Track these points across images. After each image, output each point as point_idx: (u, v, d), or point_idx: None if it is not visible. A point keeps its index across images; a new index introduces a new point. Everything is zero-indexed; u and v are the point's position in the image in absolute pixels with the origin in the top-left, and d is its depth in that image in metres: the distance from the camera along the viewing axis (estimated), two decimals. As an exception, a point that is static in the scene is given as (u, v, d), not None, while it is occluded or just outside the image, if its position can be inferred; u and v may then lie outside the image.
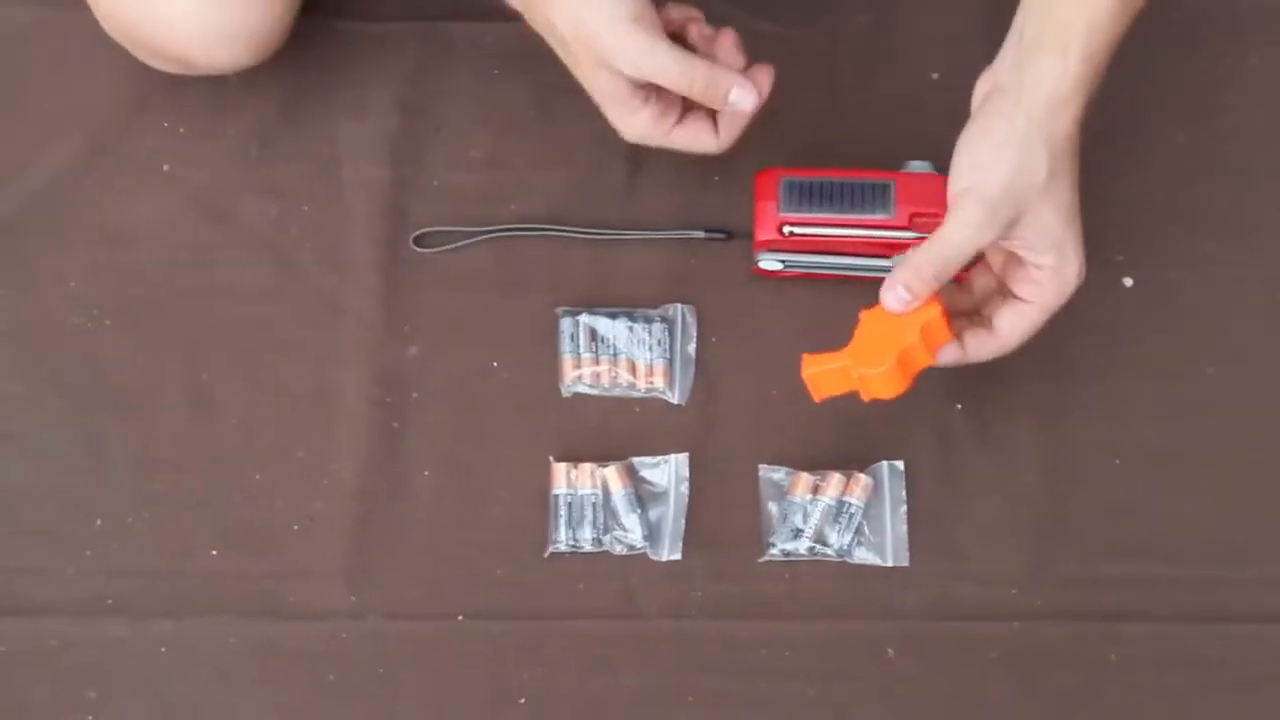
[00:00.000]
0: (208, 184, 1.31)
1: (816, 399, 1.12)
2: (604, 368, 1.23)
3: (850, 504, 1.19)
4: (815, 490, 1.19)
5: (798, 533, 1.18)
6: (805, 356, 1.12)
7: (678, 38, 1.15)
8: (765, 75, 1.15)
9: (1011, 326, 1.11)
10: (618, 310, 1.25)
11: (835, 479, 1.19)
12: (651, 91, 1.12)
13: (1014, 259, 1.10)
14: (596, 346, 1.24)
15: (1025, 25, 1.07)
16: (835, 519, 1.18)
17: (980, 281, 1.15)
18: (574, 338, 1.24)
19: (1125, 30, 1.06)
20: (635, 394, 1.24)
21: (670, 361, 1.24)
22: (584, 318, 1.24)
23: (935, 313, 1.08)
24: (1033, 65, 1.05)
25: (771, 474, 1.21)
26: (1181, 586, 1.19)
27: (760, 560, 1.19)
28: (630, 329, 1.24)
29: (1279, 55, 1.34)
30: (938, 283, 1.07)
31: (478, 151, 1.31)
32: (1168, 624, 1.18)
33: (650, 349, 1.24)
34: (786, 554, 1.18)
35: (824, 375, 1.11)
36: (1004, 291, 1.12)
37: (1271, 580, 1.19)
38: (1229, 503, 1.21)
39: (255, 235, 1.29)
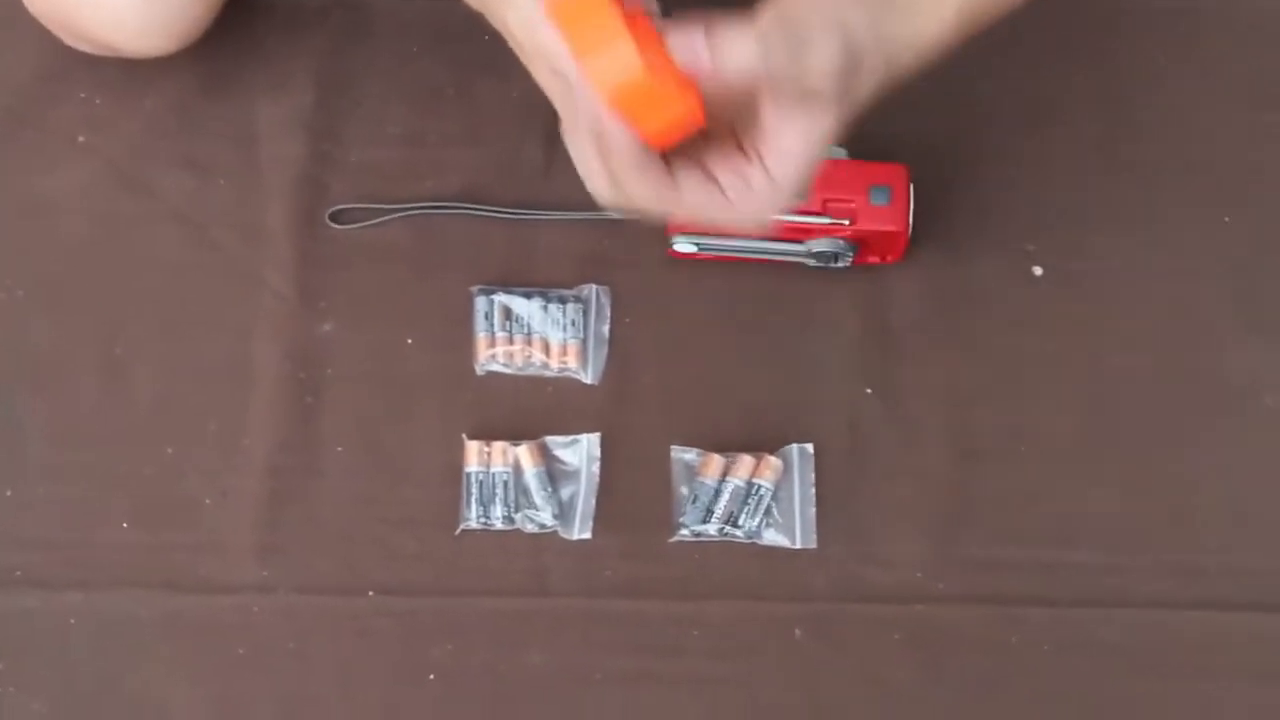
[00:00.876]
0: (124, 156, 1.31)
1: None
2: (518, 347, 1.24)
3: (760, 486, 1.20)
4: (726, 472, 1.21)
5: (708, 514, 1.20)
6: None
7: None
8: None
9: (691, 196, 0.90)
10: (533, 290, 1.26)
11: (745, 461, 1.21)
12: None
13: (734, 144, 0.91)
14: (511, 325, 1.25)
15: None
16: (745, 501, 1.20)
17: None
18: (488, 316, 1.25)
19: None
20: (548, 374, 1.25)
21: (584, 341, 1.25)
22: (499, 297, 1.25)
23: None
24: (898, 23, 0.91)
25: (683, 455, 1.22)
26: (1082, 572, 1.20)
27: (670, 540, 1.20)
28: (545, 309, 1.25)
29: (1186, 53, 1.36)
30: (772, 72, 0.86)
31: (395, 128, 1.32)
32: (1068, 609, 1.19)
33: (564, 329, 1.25)
34: (696, 535, 1.20)
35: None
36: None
37: (1169, 567, 1.21)
38: (1129, 491, 1.23)
39: (171, 208, 1.30)
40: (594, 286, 1.27)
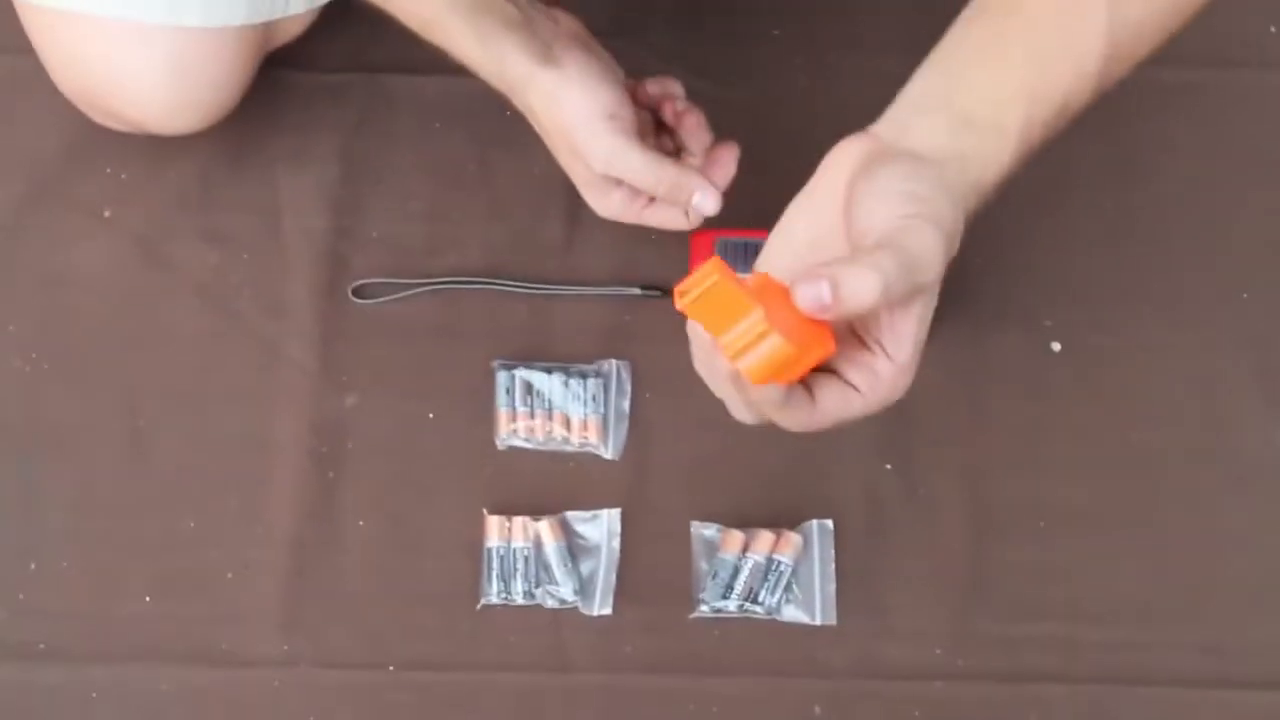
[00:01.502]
0: (148, 230, 1.32)
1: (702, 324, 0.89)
2: (538, 422, 1.25)
3: (780, 562, 1.21)
4: (745, 548, 1.21)
5: (728, 590, 1.20)
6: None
7: (652, 112, 1.20)
8: (729, 155, 1.19)
9: (833, 407, 0.92)
10: (553, 365, 1.27)
11: (765, 537, 1.21)
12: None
13: (857, 341, 0.92)
14: (532, 400, 1.26)
15: (951, 91, 0.94)
16: (765, 577, 1.20)
17: None
18: (510, 391, 1.26)
19: (1078, 100, 0.97)
20: (569, 448, 1.25)
21: (604, 417, 1.26)
22: (520, 371, 1.26)
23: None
24: (964, 140, 0.93)
25: (703, 530, 1.22)
26: (1101, 648, 1.21)
27: (690, 617, 1.20)
28: (565, 384, 1.26)
29: (1202, 129, 1.37)
30: (889, 293, 0.85)
31: (418, 203, 1.33)
32: (1087, 685, 1.19)
33: (585, 404, 1.26)
34: (716, 611, 1.20)
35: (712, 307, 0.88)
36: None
37: (1190, 645, 1.21)
38: (1148, 567, 1.23)
39: (195, 282, 1.31)
40: (614, 361, 1.28)
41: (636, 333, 1.29)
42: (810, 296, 0.84)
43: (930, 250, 0.87)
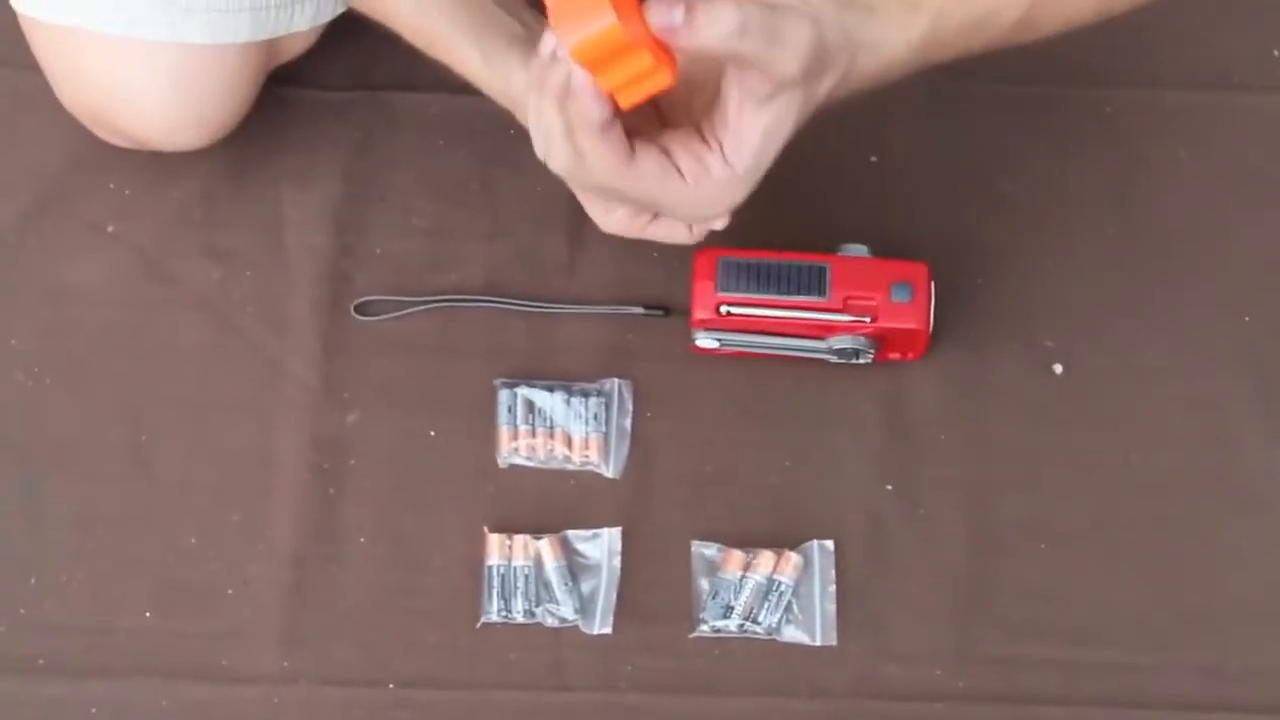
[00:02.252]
0: (151, 245, 1.32)
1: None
2: (540, 440, 1.25)
3: (780, 582, 1.21)
4: (746, 567, 1.21)
5: (728, 610, 1.20)
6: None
7: None
8: None
9: (650, 175, 0.93)
10: (555, 383, 1.27)
11: (766, 557, 1.21)
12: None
13: (696, 134, 0.93)
14: (533, 419, 1.26)
15: None
16: (765, 597, 1.20)
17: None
18: (511, 409, 1.26)
19: (1001, 19, 0.99)
20: (570, 467, 1.26)
21: (606, 435, 1.26)
22: (521, 390, 1.26)
23: None
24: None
25: (704, 550, 1.22)
26: (1102, 671, 1.20)
27: (691, 636, 1.20)
28: (567, 402, 1.26)
29: (1204, 149, 1.37)
30: (743, 43, 0.85)
31: (420, 221, 1.34)
32: (1087, 708, 1.18)
33: (586, 422, 1.26)
34: (716, 630, 1.20)
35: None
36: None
37: (1190, 668, 1.20)
38: (1149, 589, 1.23)
39: (197, 297, 1.31)
40: (616, 380, 1.28)
41: (638, 352, 1.29)
42: (662, 14, 0.82)
43: (799, 36, 0.86)
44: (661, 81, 0.86)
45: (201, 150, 1.29)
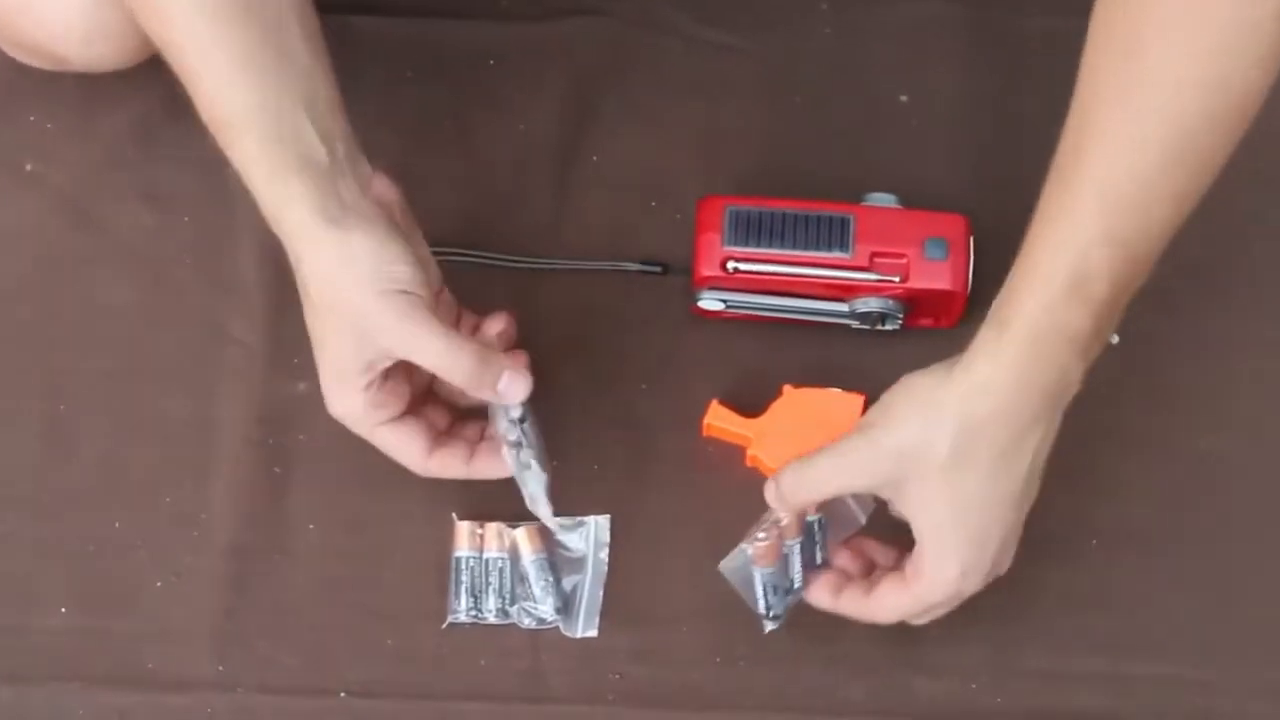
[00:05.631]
0: (76, 187, 1.31)
1: (704, 434, 1.21)
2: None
3: (816, 522, 1.14)
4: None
5: (790, 589, 1.14)
6: (714, 405, 1.21)
7: None
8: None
9: (886, 598, 1.09)
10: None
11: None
12: (378, 379, 1.09)
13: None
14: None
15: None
16: (813, 539, 1.14)
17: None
18: None
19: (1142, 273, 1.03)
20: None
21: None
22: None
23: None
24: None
25: (733, 563, 1.15)
26: (1161, 687, 1.17)
27: (766, 633, 1.15)
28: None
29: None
30: (802, 503, 1.09)
31: (384, 161, 1.25)
32: None
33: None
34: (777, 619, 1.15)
35: (721, 433, 1.20)
36: (900, 559, 1.11)
37: (1263, 685, 1.18)
38: (1220, 594, 1.20)
39: (128, 247, 1.29)
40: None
41: (631, 314, 1.28)
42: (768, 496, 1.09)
43: (841, 458, 1.08)
44: None
45: (134, 78, 1.27)
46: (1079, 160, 0.99)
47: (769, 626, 1.15)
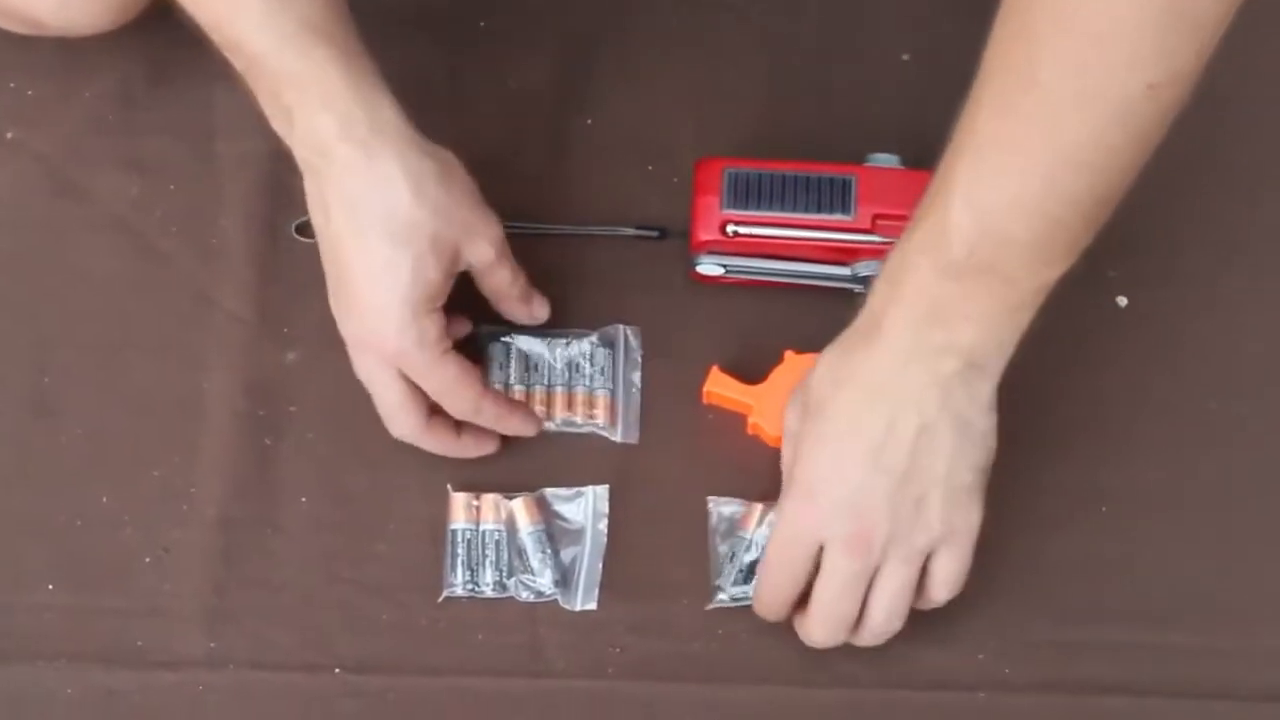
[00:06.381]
0: (58, 155, 1.30)
1: (704, 401, 1.21)
2: (536, 403, 1.22)
3: None
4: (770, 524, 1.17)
5: (749, 574, 1.15)
6: (714, 372, 1.20)
7: None
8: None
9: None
10: (550, 332, 1.23)
11: None
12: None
13: None
14: (529, 376, 1.22)
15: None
16: None
17: None
18: (503, 366, 1.22)
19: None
20: (573, 430, 1.22)
21: (613, 393, 1.22)
22: (516, 342, 1.22)
23: None
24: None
25: (723, 508, 1.18)
26: (1175, 656, 1.16)
27: (708, 608, 1.17)
28: (569, 354, 1.22)
29: None
30: (782, 602, 1.11)
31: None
32: (1154, 699, 1.15)
33: (590, 378, 1.22)
34: (737, 600, 1.16)
35: (722, 401, 1.20)
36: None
37: (1274, 653, 1.17)
38: (1232, 559, 1.19)
39: (112, 215, 1.28)
40: (622, 328, 1.24)
41: (629, 280, 1.26)
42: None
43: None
44: None
45: (117, 42, 1.27)
46: (968, 119, 1.00)
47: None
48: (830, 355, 1.07)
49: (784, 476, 1.10)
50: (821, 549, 1.06)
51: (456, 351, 1.12)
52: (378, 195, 1.07)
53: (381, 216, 1.07)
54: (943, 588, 1.08)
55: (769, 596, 1.10)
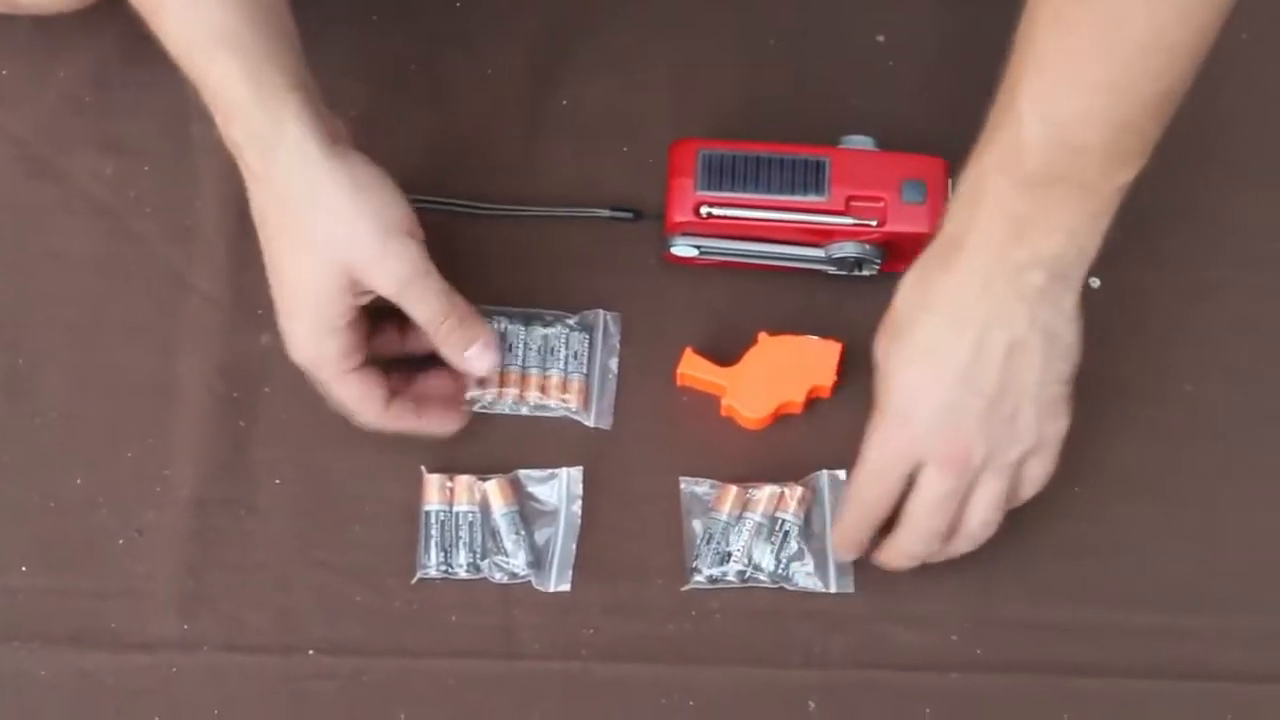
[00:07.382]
0: (32, 135, 1.29)
1: (678, 383, 1.21)
2: (511, 386, 1.21)
3: (784, 520, 1.17)
4: (745, 507, 1.17)
5: (725, 556, 1.16)
6: (687, 354, 1.20)
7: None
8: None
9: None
10: (530, 311, 1.23)
11: (767, 492, 1.17)
12: (355, 319, 1.10)
13: None
14: (504, 357, 1.21)
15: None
16: (767, 538, 1.16)
17: None
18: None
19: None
20: (544, 415, 1.22)
21: (587, 377, 1.22)
22: (495, 323, 1.21)
23: (829, 378, 1.19)
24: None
25: (694, 487, 1.19)
26: (1145, 637, 1.17)
27: (683, 589, 1.17)
28: (544, 336, 1.22)
29: (1274, 26, 1.34)
30: (870, 526, 1.12)
31: (351, 108, 1.28)
32: (1128, 680, 1.16)
33: (565, 362, 1.22)
34: (714, 581, 1.16)
35: (695, 382, 1.20)
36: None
37: (1248, 634, 1.17)
38: (1206, 541, 1.20)
39: (86, 197, 1.28)
40: (602, 313, 1.24)
41: (603, 261, 1.26)
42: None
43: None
44: None
45: (92, 21, 1.26)
46: (1026, 37, 1.02)
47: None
48: (911, 279, 1.08)
49: (875, 402, 1.09)
50: (915, 469, 1.08)
51: (368, 367, 1.12)
52: (275, 212, 1.07)
53: (283, 231, 1.07)
54: (1030, 487, 1.11)
55: (860, 519, 1.11)
